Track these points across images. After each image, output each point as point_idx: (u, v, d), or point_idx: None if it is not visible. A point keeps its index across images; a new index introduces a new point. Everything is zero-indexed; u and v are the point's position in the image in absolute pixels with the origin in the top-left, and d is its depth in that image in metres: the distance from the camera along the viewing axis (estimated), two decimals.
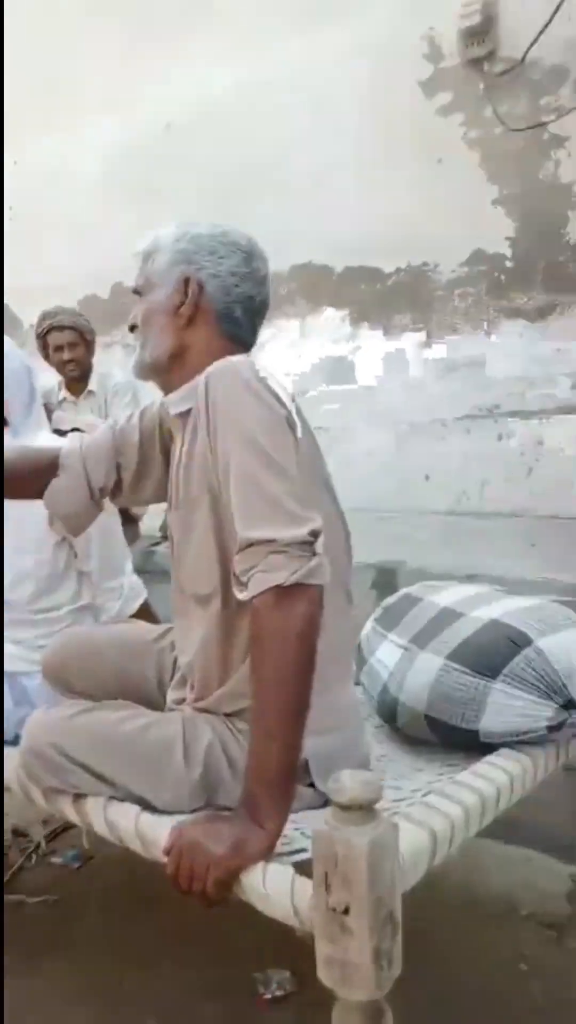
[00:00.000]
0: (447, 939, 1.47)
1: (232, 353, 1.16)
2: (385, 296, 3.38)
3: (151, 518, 3.35)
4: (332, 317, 3.54)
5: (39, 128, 4.68)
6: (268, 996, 1.39)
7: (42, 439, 1.68)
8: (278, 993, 1.39)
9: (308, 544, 1.00)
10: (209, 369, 1.12)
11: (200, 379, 1.12)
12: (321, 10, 3.40)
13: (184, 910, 1.58)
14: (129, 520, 3.03)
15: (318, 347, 3.58)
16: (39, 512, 1.55)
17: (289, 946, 1.42)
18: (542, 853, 1.79)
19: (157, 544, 3.20)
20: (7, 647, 1.66)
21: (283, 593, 0.98)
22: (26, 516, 1.61)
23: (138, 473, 1.38)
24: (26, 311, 4.88)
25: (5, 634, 1.67)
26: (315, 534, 1.01)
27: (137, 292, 1.27)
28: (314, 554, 1.00)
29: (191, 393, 1.16)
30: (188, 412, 1.18)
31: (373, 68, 3.26)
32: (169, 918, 1.59)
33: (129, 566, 1.86)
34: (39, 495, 1.39)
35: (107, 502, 1.44)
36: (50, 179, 4.68)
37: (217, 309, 1.21)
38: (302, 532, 1.00)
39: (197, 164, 3.91)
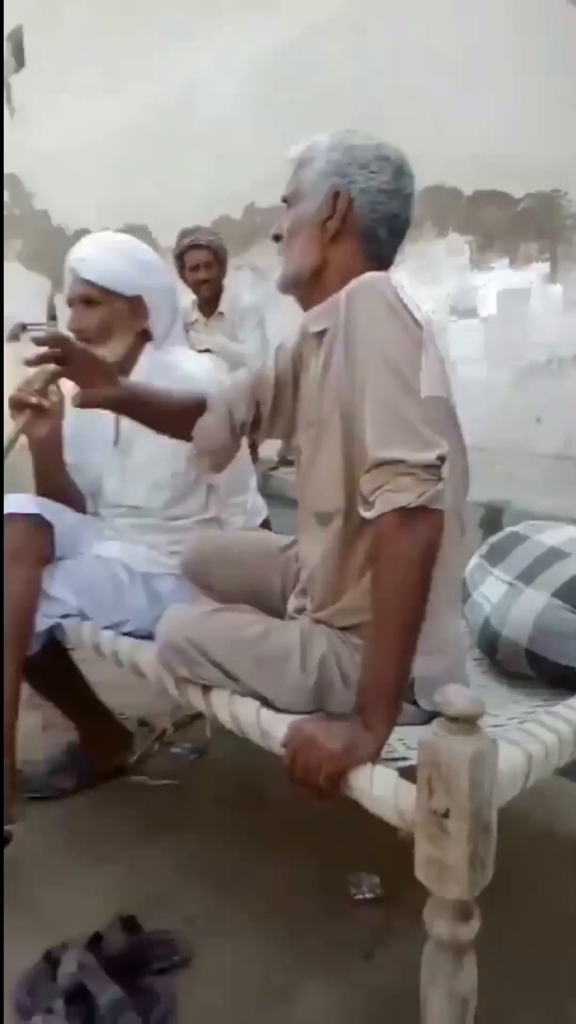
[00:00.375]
0: (526, 879, 1.50)
1: (375, 270, 1.16)
2: (513, 223, 3.21)
3: (269, 445, 3.42)
4: (457, 243, 3.40)
5: (179, 42, 4.63)
6: (359, 897, 1.48)
7: (179, 356, 1.76)
8: (368, 895, 1.48)
9: (435, 468, 1.02)
10: (349, 286, 1.12)
11: (340, 297, 1.13)
12: None
13: (289, 809, 1.71)
14: (249, 446, 3.11)
15: (442, 274, 3.46)
16: None
17: (381, 853, 1.51)
18: None
19: (274, 469, 3.28)
20: (141, 550, 1.79)
21: (408, 514, 1.01)
22: None
23: (273, 409, 1.43)
24: (163, 232, 4.96)
25: (141, 537, 1.80)
26: (442, 459, 1.03)
27: (286, 201, 1.26)
28: (440, 479, 1.02)
29: (329, 311, 1.17)
30: (324, 331, 1.19)
31: None
32: (275, 815, 1.72)
33: (254, 483, 1.93)
34: (187, 435, 1.48)
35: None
36: (191, 95, 4.66)
37: (362, 226, 1.21)
38: (431, 456, 1.02)
39: (338, 78, 3.78)
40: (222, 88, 4.45)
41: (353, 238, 1.21)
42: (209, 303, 3.34)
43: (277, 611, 1.40)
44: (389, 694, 1.04)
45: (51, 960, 1.30)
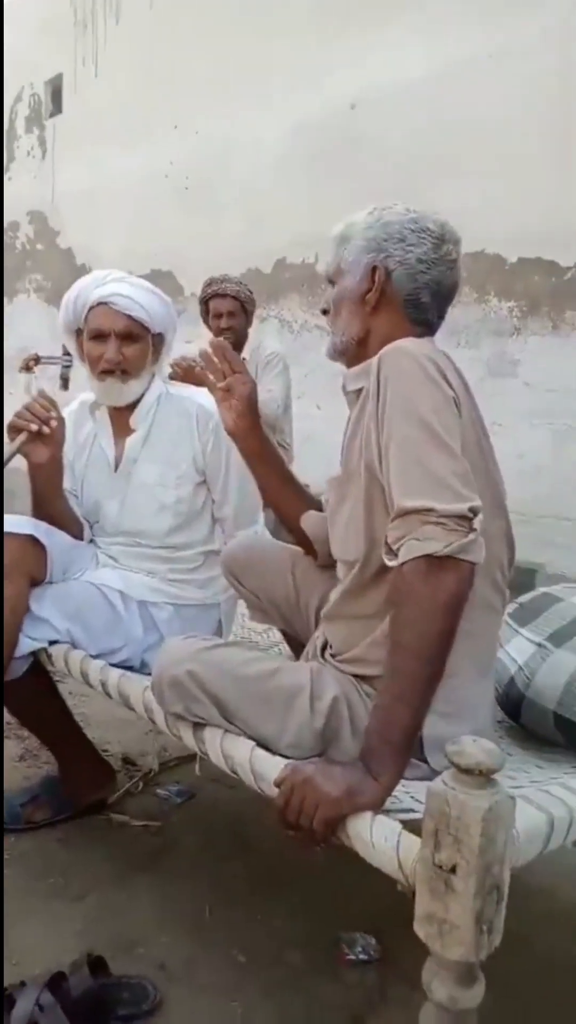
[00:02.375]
0: (543, 947, 1.44)
1: (415, 336, 1.20)
2: (559, 291, 3.28)
3: None
4: (497, 308, 3.47)
5: (221, 100, 4.81)
6: (352, 957, 1.41)
7: (189, 390, 1.85)
8: (362, 956, 1.41)
9: (466, 519, 1.01)
10: (382, 350, 1.15)
11: (374, 359, 1.16)
12: None
13: (278, 859, 1.66)
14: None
15: (481, 338, 3.52)
16: (186, 450, 1.73)
17: (377, 911, 1.46)
18: None
19: None
20: (140, 577, 1.77)
21: (435, 563, 0.99)
22: (175, 452, 1.75)
23: None
24: (189, 279, 5.07)
25: (139, 565, 1.78)
26: (475, 511, 1.02)
27: (329, 279, 1.32)
28: (471, 530, 1.01)
29: (365, 372, 1.20)
30: (361, 390, 1.22)
31: (566, 57, 3.15)
32: (262, 864, 1.66)
33: (262, 519, 1.91)
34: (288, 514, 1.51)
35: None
36: (227, 152, 4.81)
37: (403, 296, 1.24)
38: (462, 507, 1.01)
39: (379, 144, 3.91)
40: (260, 148, 4.60)
41: (394, 307, 1.25)
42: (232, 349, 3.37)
43: (304, 630, 1.41)
44: (398, 742, 1.00)
45: (6, 998, 1.23)
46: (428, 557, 0.99)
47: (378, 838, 0.95)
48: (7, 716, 2.00)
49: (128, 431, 1.80)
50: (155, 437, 1.79)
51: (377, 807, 0.98)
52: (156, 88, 5.33)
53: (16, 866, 1.62)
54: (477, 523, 1.01)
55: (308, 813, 0.98)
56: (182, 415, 1.78)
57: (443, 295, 1.27)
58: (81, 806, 1.80)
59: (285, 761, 1.10)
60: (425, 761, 1.18)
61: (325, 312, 1.34)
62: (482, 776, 0.84)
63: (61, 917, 1.48)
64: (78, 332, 1.79)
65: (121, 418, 1.81)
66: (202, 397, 1.79)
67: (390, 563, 1.05)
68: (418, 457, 1.04)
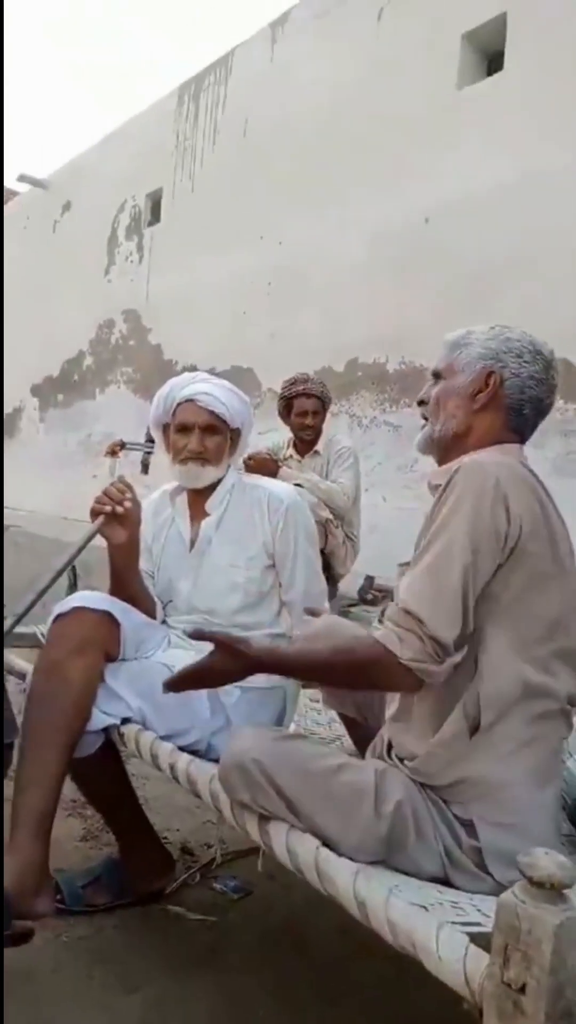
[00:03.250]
0: None
1: (510, 442, 1.31)
2: None
3: (350, 581, 3.45)
4: (564, 409, 3.51)
5: (304, 210, 5.13)
6: None
7: (261, 480, 1.98)
8: None
9: (443, 647, 1.12)
10: (465, 459, 1.24)
11: (456, 464, 1.23)
12: None
13: (337, 963, 1.61)
14: (331, 579, 3.15)
15: (547, 437, 3.55)
16: (257, 534, 1.82)
17: None
18: None
19: (354, 605, 3.28)
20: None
21: (395, 661, 1.14)
22: (246, 535, 1.84)
23: None
24: (267, 375, 5.29)
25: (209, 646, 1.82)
26: (458, 647, 1.14)
27: (437, 375, 1.41)
28: (441, 661, 1.13)
29: (448, 471, 1.27)
30: (442, 486, 1.28)
31: None
32: (320, 967, 1.61)
33: (327, 607, 1.94)
34: None
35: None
36: (310, 259, 5.09)
37: (509, 403, 1.33)
38: (446, 635, 1.12)
39: (450, 255, 4.09)
40: (339, 255, 4.86)
41: (500, 411, 1.34)
42: (308, 444, 3.50)
43: (377, 722, 1.46)
44: (285, 667, 1.34)
45: None
46: (391, 654, 1.14)
47: (444, 951, 0.93)
48: (73, 792, 2.04)
49: (204, 515, 1.90)
50: (228, 520, 1.88)
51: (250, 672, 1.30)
52: (243, 200, 5.73)
53: (74, 950, 1.62)
54: (450, 660, 1.14)
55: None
56: (254, 501, 1.88)
57: (541, 412, 1.36)
58: (141, 892, 1.79)
59: (351, 864, 1.10)
60: (489, 874, 1.15)
61: (422, 403, 1.43)
62: (554, 890, 0.82)
63: (117, 1009, 1.46)
64: (165, 427, 1.94)
65: (198, 503, 1.92)
66: (274, 486, 1.93)
67: (375, 633, 1.18)
68: (437, 567, 1.15)
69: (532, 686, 1.16)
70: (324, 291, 4.96)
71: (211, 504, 1.89)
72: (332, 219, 4.92)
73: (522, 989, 0.81)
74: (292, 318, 5.18)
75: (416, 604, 1.14)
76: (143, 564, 1.90)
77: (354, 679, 1.27)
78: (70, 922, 1.70)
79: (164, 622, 1.93)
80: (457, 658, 1.15)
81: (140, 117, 7.30)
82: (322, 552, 3.11)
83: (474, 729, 1.16)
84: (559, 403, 3.51)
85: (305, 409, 3.38)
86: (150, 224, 7.13)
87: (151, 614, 1.89)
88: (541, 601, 1.18)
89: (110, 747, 1.69)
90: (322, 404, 3.42)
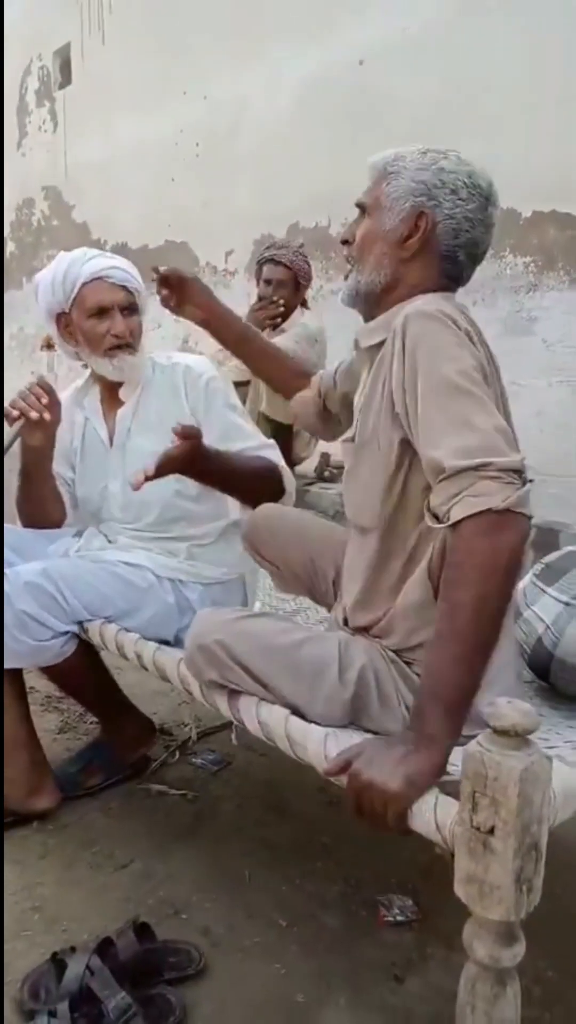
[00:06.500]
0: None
1: (445, 291, 1.19)
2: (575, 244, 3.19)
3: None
4: (513, 264, 3.38)
5: (228, 63, 4.71)
6: (390, 919, 1.43)
7: (176, 355, 1.85)
8: (399, 918, 1.43)
9: (519, 473, 0.99)
10: (409, 309, 1.11)
11: (398, 317, 1.12)
12: None
13: (314, 824, 1.68)
14: (291, 463, 3.08)
15: (497, 295, 3.44)
16: (176, 412, 1.71)
17: (414, 873, 1.48)
18: None
19: (311, 484, 3.26)
20: (167, 559, 1.76)
21: (494, 519, 0.96)
22: (167, 416, 1.70)
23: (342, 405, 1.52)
24: (204, 249, 5.01)
25: (160, 547, 1.78)
26: (524, 465, 1.00)
27: (362, 208, 1.25)
28: (525, 482, 0.99)
29: (383, 327, 1.17)
30: (378, 345, 1.19)
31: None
32: (299, 829, 1.68)
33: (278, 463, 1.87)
34: (278, 387, 1.68)
35: None
36: (237, 115, 4.72)
37: (442, 249, 1.19)
38: (516, 459, 0.99)
39: (389, 100, 3.81)
40: (269, 110, 4.50)
41: (431, 259, 1.20)
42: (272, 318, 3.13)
43: (324, 598, 1.42)
44: (456, 705, 0.97)
45: (57, 962, 1.27)
46: (488, 513, 0.95)
47: (416, 802, 0.95)
48: (47, 688, 2.05)
49: (119, 405, 1.78)
50: (145, 405, 1.76)
51: (439, 777, 0.97)
52: (164, 56, 5.23)
53: (61, 836, 1.66)
54: (528, 476, 1.00)
55: (380, 813, 0.96)
56: (169, 379, 1.75)
57: (476, 257, 1.23)
58: (130, 763, 1.85)
59: (320, 729, 1.11)
60: None
61: (346, 243, 1.27)
62: (518, 737, 0.84)
63: (106, 886, 1.52)
64: (60, 316, 1.73)
65: (111, 395, 1.80)
66: (188, 359, 1.79)
67: (434, 524, 1.03)
68: (465, 418, 1.01)
69: None
70: (257, 152, 4.62)
71: (124, 392, 1.76)
72: (260, 67, 4.52)
73: (491, 831, 0.83)
74: (225, 183, 4.85)
75: (468, 457, 0.98)
76: (58, 467, 1.80)
77: (498, 591, 0.98)
78: (57, 812, 1.73)
79: (79, 534, 1.86)
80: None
81: None
82: (290, 429, 3.01)
83: (437, 590, 1.15)
84: (508, 258, 3.39)
85: (269, 277, 3.10)
86: (62, 86, 6.52)
87: (61, 517, 1.85)
88: None
89: (83, 644, 1.67)
90: (293, 277, 3.12)
